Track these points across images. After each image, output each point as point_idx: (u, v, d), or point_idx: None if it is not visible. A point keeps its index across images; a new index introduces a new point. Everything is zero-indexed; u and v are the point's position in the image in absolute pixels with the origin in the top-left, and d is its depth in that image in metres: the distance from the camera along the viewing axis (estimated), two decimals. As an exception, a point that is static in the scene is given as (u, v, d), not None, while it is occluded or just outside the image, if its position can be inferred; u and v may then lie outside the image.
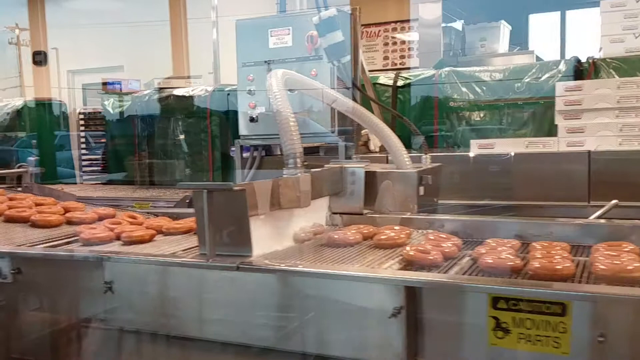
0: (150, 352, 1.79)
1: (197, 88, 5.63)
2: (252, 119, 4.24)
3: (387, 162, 4.13)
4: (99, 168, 6.83)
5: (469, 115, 4.66)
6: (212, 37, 7.94)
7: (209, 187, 1.64)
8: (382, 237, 1.96)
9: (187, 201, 4.48)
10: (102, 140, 7.81)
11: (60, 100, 7.41)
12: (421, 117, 4.93)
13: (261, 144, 4.35)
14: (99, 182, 6.77)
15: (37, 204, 2.60)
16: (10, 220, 2.40)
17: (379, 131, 2.67)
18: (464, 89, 4.70)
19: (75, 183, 6.93)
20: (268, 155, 4.50)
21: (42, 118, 7.01)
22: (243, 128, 4.33)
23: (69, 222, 2.37)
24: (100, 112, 7.68)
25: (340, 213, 2.41)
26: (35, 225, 2.34)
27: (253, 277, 1.61)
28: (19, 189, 3.28)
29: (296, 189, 1.97)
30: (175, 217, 2.73)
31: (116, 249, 2.00)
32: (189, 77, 6.04)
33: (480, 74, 4.67)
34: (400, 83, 5.06)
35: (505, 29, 8.29)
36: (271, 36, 4.16)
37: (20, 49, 11.12)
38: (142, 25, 7.84)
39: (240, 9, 8.18)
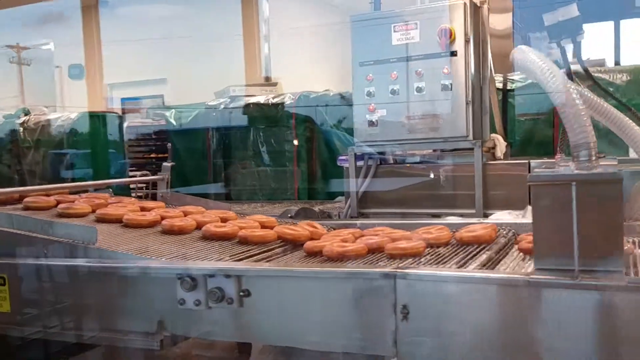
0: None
1: (279, 95, 5.24)
2: (371, 123, 3.84)
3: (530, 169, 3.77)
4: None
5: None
6: (264, 51, 7.61)
7: (578, 177, 1.23)
8: None
9: (290, 215, 4.06)
10: (153, 155, 7.46)
11: (116, 113, 7.02)
12: (538, 121, 4.55)
13: (380, 151, 3.94)
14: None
15: (222, 219, 2.20)
16: (212, 237, 2.00)
17: (619, 124, 2.27)
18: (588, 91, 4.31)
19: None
20: (382, 163, 4.08)
21: (98, 131, 6.60)
22: (359, 133, 3.93)
23: (280, 238, 1.97)
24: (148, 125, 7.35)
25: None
26: (246, 241, 1.94)
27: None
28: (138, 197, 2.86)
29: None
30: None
31: (396, 265, 1.59)
32: (271, 83, 5.64)
33: (607, 75, 4.30)
34: (510, 86, 4.68)
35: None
36: (394, 31, 3.77)
37: (22, 67, 10.90)
38: (199, 34, 7.50)
39: (294, 17, 7.89)
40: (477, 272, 1.48)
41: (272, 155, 5.20)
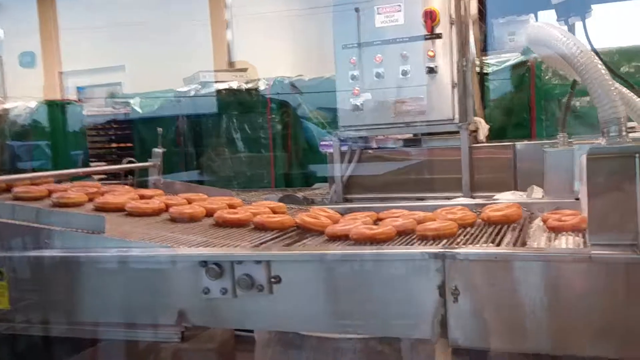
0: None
1: (253, 80, 5.13)
2: (356, 108, 3.79)
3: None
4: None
5: (573, 102, 4.32)
6: (233, 36, 7.43)
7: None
8: None
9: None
10: (114, 145, 7.23)
11: (77, 101, 6.76)
12: (514, 105, 4.59)
13: (365, 135, 3.89)
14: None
15: (230, 206, 2.12)
16: (226, 224, 1.92)
17: (633, 106, 2.26)
18: (563, 74, 4.37)
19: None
20: (366, 148, 4.03)
21: (58, 120, 6.35)
22: (343, 118, 3.87)
23: (300, 225, 1.90)
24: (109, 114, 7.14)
25: None
26: (263, 228, 1.86)
27: None
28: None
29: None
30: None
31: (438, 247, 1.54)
32: (242, 69, 5.51)
33: (582, 58, 4.35)
34: (486, 70, 4.71)
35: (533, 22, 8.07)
36: (378, 14, 3.72)
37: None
38: (162, 20, 7.29)
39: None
40: (532, 249, 1.46)
41: (247, 143, 5.09)
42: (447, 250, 1.36)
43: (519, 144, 3.63)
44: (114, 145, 7.27)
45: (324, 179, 4.76)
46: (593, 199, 1.29)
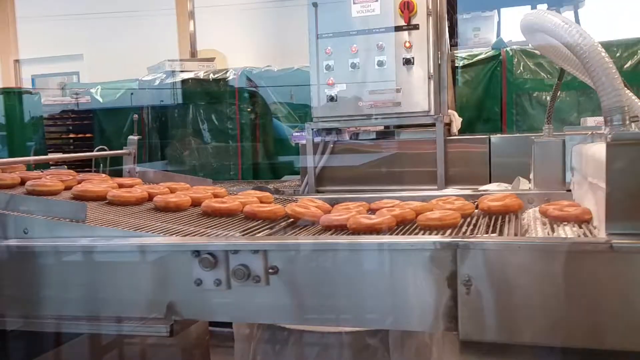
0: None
1: (221, 70, 5.00)
2: (331, 99, 3.73)
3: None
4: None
5: (544, 97, 4.37)
6: (198, 26, 7.25)
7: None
8: None
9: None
10: (72, 136, 6.99)
11: (34, 90, 6.48)
12: (486, 99, 4.61)
13: (339, 127, 3.83)
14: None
15: (215, 195, 2.04)
16: (214, 214, 1.84)
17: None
18: (535, 69, 4.41)
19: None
20: (340, 140, 3.98)
21: (13, 109, 6.07)
22: (317, 109, 3.81)
23: (288, 215, 1.83)
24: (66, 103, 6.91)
25: None
26: (254, 217, 1.79)
27: None
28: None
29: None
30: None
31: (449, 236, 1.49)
32: (208, 59, 5.36)
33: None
34: (457, 64, 4.71)
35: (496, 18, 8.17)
36: (354, 3, 3.67)
37: None
38: (123, 9, 7.06)
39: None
40: (551, 238, 1.42)
41: (213, 133, 4.97)
42: (460, 239, 1.31)
43: (494, 137, 3.64)
44: (72, 135, 7.02)
45: (292, 171, 4.69)
46: (613, 187, 1.25)
